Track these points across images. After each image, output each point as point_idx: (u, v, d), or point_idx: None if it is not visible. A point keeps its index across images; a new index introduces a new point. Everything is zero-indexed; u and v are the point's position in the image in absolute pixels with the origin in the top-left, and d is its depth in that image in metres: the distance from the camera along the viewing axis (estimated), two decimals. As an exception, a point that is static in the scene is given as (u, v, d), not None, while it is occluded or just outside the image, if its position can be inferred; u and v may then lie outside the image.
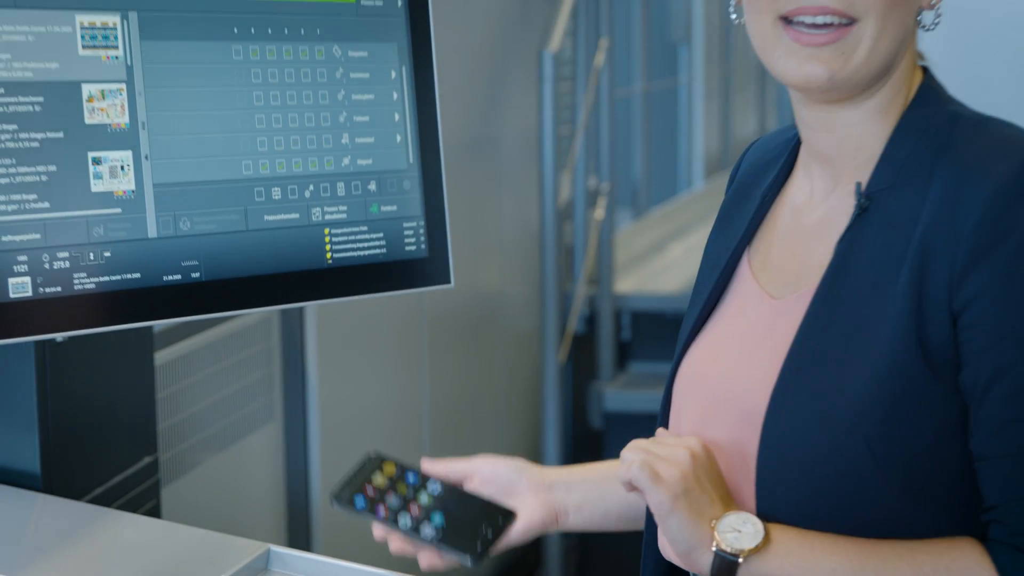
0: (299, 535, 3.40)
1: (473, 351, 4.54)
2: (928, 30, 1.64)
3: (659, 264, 6.11)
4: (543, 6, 5.04)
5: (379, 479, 1.83)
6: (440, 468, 1.90)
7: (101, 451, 2.29)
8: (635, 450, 1.58)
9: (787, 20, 1.58)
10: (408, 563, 1.90)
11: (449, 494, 1.84)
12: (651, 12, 6.99)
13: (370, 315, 3.69)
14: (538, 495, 1.91)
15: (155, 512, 2.41)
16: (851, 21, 1.56)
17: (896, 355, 1.52)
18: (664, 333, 5.48)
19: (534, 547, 5.03)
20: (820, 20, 1.56)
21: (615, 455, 5.18)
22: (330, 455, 3.47)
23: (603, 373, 5.33)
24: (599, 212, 5.36)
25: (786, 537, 1.53)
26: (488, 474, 1.91)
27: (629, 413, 5.22)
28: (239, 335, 3.11)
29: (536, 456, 5.05)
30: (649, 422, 5.24)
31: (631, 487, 1.56)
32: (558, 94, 4.69)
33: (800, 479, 1.55)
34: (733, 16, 1.71)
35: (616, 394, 5.24)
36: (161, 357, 2.69)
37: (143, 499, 2.39)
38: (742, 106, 10.30)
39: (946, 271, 1.50)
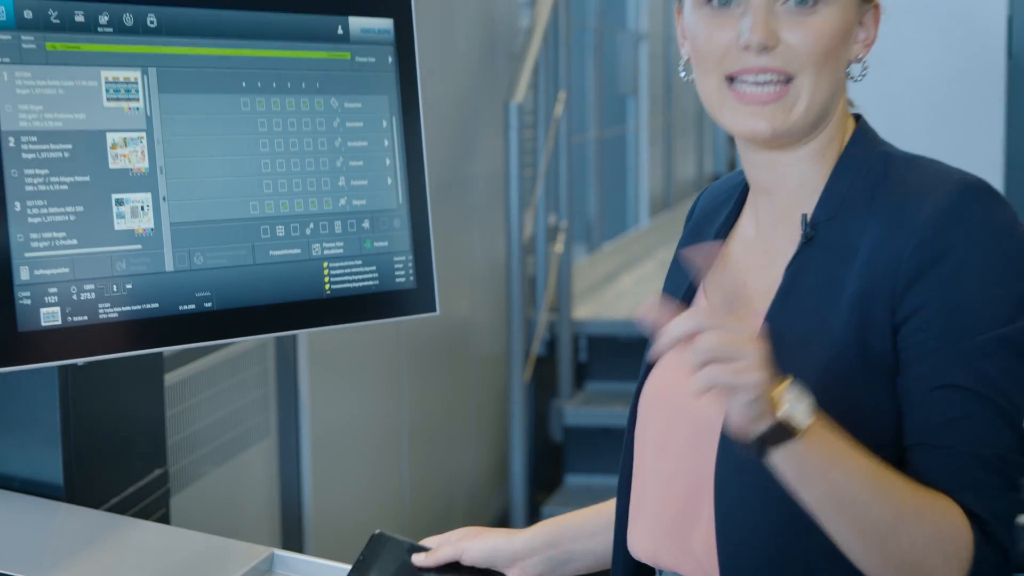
0: (293, 539, 3.40)
1: (447, 372, 4.54)
2: (856, 81, 1.66)
3: (612, 293, 6.12)
4: (508, 63, 5.06)
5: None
6: (431, 560, 1.89)
7: (117, 464, 2.29)
8: (716, 351, 1.39)
9: (731, 79, 1.60)
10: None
11: None
12: (603, 67, 7.03)
13: (355, 340, 3.69)
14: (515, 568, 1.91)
15: (165, 519, 2.41)
16: (789, 79, 1.57)
17: (840, 364, 1.54)
18: (618, 355, 5.50)
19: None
20: (761, 79, 1.57)
21: (574, 467, 5.13)
22: (321, 467, 3.47)
23: (563, 392, 5.33)
24: (558, 246, 5.38)
25: (826, 426, 1.45)
26: (475, 554, 1.90)
27: (586, 427, 5.22)
28: (238, 359, 3.11)
29: (504, 465, 5.05)
30: (604, 435, 5.25)
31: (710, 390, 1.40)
32: (522, 140, 4.71)
33: (754, 480, 1.55)
34: (683, 74, 1.71)
35: (574, 410, 5.24)
36: (170, 378, 2.69)
37: (154, 507, 2.38)
38: (682, 151, 10.36)
39: (889, 288, 1.53)
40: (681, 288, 1.77)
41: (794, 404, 1.42)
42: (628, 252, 7.41)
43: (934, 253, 1.51)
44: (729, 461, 1.59)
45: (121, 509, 2.26)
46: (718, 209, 1.81)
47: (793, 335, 1.57)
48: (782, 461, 1.44)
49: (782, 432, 1.42)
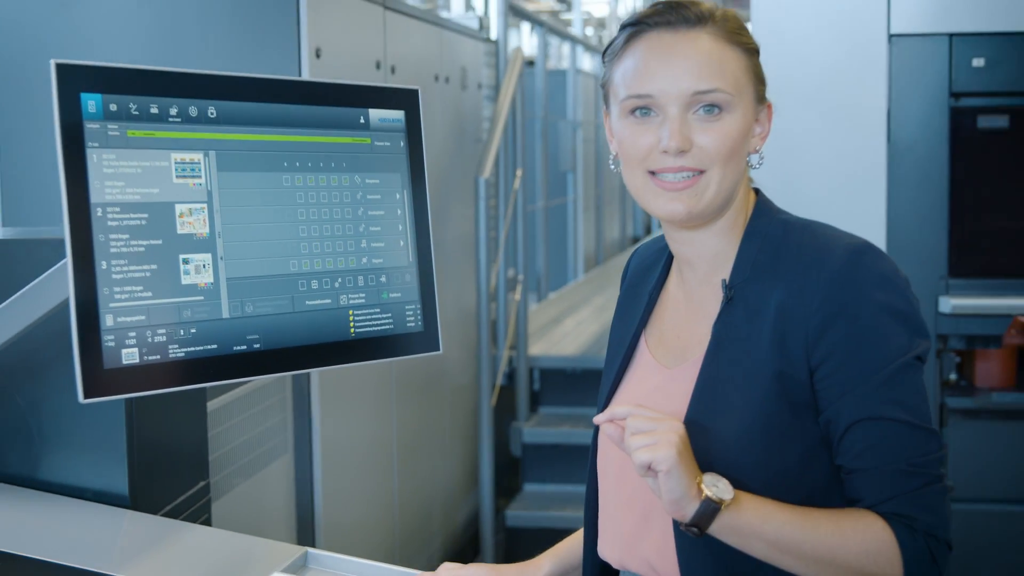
0: (306, 538, 3.36)
1: (427, 399, 4.52)
2: (755, 169, 1.68)
3: (558, 333, 6.12)
4: (474, 145, 5.07)
5: None
6: None
7: (170, 477, 2.27)
8: (639, 436, 1.50)
9: (653, 172, 1.61)
10: (423, 562, 1.88)
11: None
12: (548, 149, 7.05)
13: (356, 373, 3.67)
14: None
15: (208, 523, 2.38)
16: (701, 172, 1.59)
17: (766, 403, 1.56)
18: (565, 385, 5.49)
19: (472, 542, 5.01)
20: (679, 175, 1.59)
21: (531, 477, 5.09)
22: (329, 477, 3.44)
23: (521, 415, 5.32)
24: (516, 295, 5.38)
25: (748, 496, 1.52)
26: None
27: (541, 444, 5.22)
28: (263, 389, 3.08)
29: (472, 475, 5.03)
30: (555, 451, 5.20)
31: (644, 468, 1.49)
32: (488, 208, 4.71)
33: None
34: (612, 167, 1.73)
35: (531, 430, 5.22)
36: (210, 406, 2.66)
37: (199, 513, 2.35)
38: (609, 217, 10.41)
39: (802, 338, 1.56)
40: (626, 338, 1.79)
41: (714, 483, 1.49)
42: (569, 300, 7.42)
43: (835, 308, 1.54)
44: None
45: (174, 514, 2.23)
46: (649, 270, 1.83)
47: (726, 379, 1.60)
48: (720, 531, 1.50)
49: (710, 507, 1.47)
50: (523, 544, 4.88)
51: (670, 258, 1.78)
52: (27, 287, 1.85)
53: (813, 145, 3.30)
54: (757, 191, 1.72)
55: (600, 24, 15.36)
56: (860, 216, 3.32)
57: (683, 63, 1.57)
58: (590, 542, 1.80)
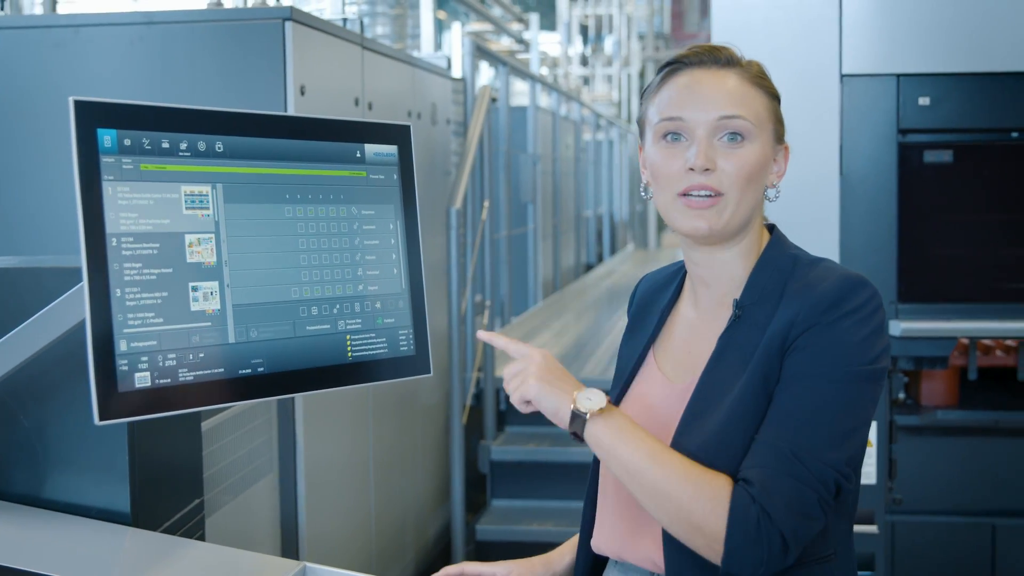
0: (290, 553, 3.34)
1: (400, 418, 4.51)
2: (772, 201, 1.73)
3: (522, 356, 6.10)
4: (443, 177, 5.08)
5: None
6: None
7: (169, 494, 2.25)
8: (511, 380, 1.67)
9: (681, 194, 1.69)
10: (397, 574, 1.87)
11: None
12: (511, 181, 7.07)
13: (335, 396, 3.66)
14: None
15: (202, 538, 2.36)
16: (721, 194, 1.67)
17: (754, 416, 1.63)
18: (530, 404, 5.48)
19: (443, 555, 4.99)
20: (703, 193, 1.67)
21: (498, 493, 5.11)
22: (313, 494, 3.43)
23: (488, 434, 5.31)
24: (485, 320, 5.37)
25: (623, 417, 1.62)
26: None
27: (507, 462, 5.21)
28: (250, 410, 3.06)
29: (441, 491, 5.02)
30: (521, 468, 5.19)
31: (523, 403, 1.67)
32: (459, 237, 4.71)
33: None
34: (644, 195, 1.81)
35: (498, 448, 5.22)
36: (203, 426, 2.64)
37: (195, 529, 2.34)
38: (565, 245, 10.43)
39: (784, 343, 1.64)
40: (635, 353, 1.85)
41: (587, 396, 1.60)
42: (530, 324, 7.43)
43: (818, 312, 1.61)
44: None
45: (171, 531, 2.22)
46: (660, 291, 1.90)
47: (720, 382, 1.67)
48: (590, 442, 1.60)
49: (577, 416, 1.59)
50: (492, 557, 4.86)
51: (682, 280, 1.85)
52: (39, 313, 1.84)
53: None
54: (772, 227, 1.79)
55: (554, 63, 15.44)
56: (815, 245, 3.34)
57: (712, 93, 1.68)
58: (585, 535, 1.86)
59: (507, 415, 5.52)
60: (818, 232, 3.36)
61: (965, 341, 3.58)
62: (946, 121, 3.36)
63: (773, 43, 3.39)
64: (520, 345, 1.70)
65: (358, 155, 1.93)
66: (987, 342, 3.81)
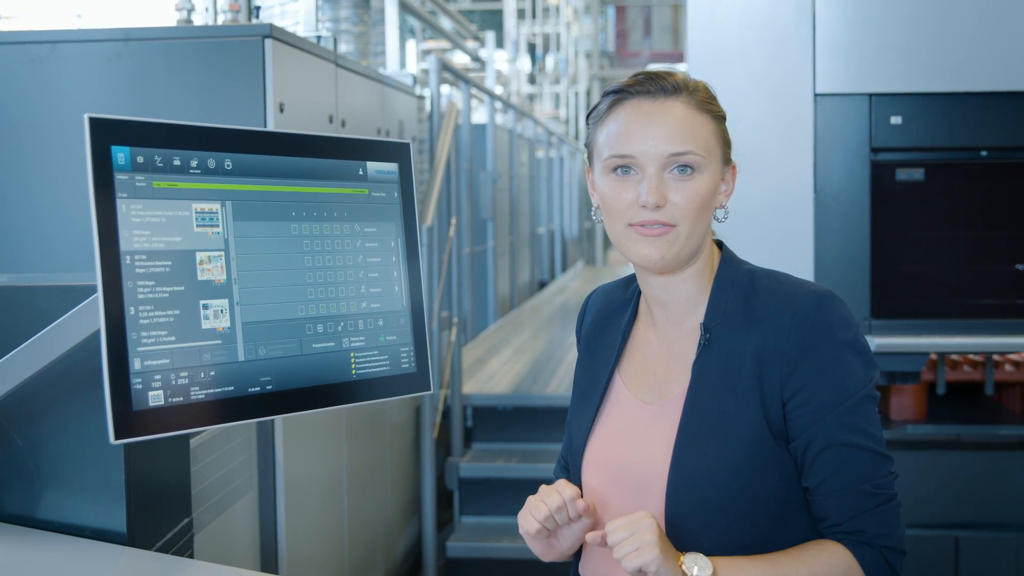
0: (269, 569, 3.31)
1: (370, 436, 4.49)
2: (721, 222, 1.77)
3: (485, 374, 6.11)
4: (418, 195, 5.06)
5: None
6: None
7: (161, 514, 2.23)
8: (622, 545, 1.58)
9: (631, 224, 1.70)
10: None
11: None
12: (472, 199, 7.07)
13: (316, 413, 3.63)
14: None
15: (191, 556, 2.34)
16: (673, 226, 1.68)
17: (752, 431, 1.66)
18: (497, 422, 5.48)
19: (412, 571, 4.97)
20: (655, 228, 1.68)
21: (466, 509, 5.08)
22: (291, 512, 3.40)
23: (456, 451, 5.30)
24: (452, 336, 5.36)
25: (724, 563, 1.60)
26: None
27: (475, 479, 5.19)
28: (231, 430, 3.03)
29: (409, 507, 5.00)
30: (487, 484, 5.17)
31: (638, 572, 1.57)
32: (428, 254, 4.71)
33: (696, 514, 1.65)
34: (595, 218, 1.82)
35: (466, 465, 5.20)
36: (193, 443, 2.62)
37: (185, 548, 2.32)
38: (521, 262, 10.45)
39: (777, 375, 1.66)
40: (601, 376, 1.84)
41: (694, 562, 1.58)
42: (490, 342, 7.43)
43: (806, 347, 1.65)
44: (679, 499, 1.67)
45: (164, 550, 2.19)
46: (618, 311, 1.91)
47: (709, 411, 1.68)
48: None
49: None
50: (463, 575, 4.85)
51: (638, 300, 1.84)
52: (39, 334, 1.81)
53: (746, 195, 3.36)
54: (720, 244, 1.81)
55: (506, 81, 15.46)
56: (790, 261, 3.39)
57: (660, 128, 1.67)
58: (576, 561, 1.86)
59: (474, 432, 5.51)
60: (793, 248, 3.39)
61: (934, 356, 3.62)
62: (917, 140, 3.41)
63: (748, 63, 3.43)
64: (621, 519, 1.62)
65: (360, 172, 1.93)
66: (955, 357, 3.86)
